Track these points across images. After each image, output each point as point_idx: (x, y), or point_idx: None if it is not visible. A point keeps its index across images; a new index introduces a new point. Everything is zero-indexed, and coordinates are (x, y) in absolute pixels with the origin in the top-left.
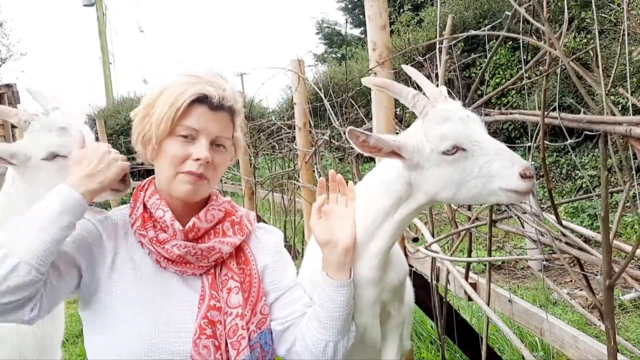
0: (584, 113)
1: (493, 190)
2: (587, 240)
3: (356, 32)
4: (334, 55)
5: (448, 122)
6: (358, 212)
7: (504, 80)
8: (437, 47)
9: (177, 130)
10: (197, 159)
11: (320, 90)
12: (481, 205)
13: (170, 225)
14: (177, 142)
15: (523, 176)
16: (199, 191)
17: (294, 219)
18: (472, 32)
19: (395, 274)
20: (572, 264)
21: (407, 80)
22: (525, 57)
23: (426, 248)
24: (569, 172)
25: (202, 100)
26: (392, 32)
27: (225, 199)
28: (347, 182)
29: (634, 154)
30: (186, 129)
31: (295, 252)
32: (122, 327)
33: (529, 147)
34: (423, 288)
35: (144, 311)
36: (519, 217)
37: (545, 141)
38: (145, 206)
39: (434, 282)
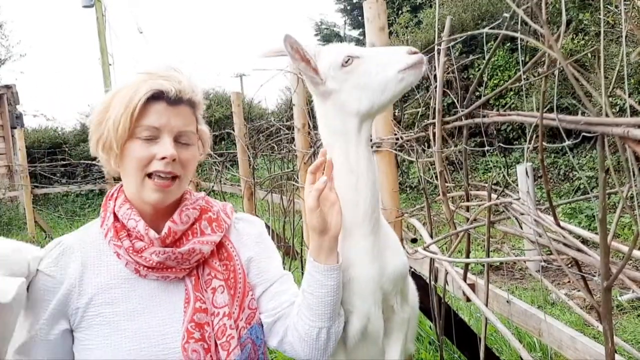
0: (582, 114)
1: (395, 76)
2: (584, 241)
3: (355, 33)
4: None
5: (334, 47)
6: (335, 186)
7: (502, 81)
8: (436, 48)
9: (137, 131)
10: (163, 158)
11: None
12: (479, 206)
13: (145, 234)
14: (139, 144)
15: (410, 53)
16: (170, 196)
17: (293, 220)
18: (470, 33)
19: (392, 257)
20: (569, 265)
21: None
22: (523, 58)
23: (425, 249)
24: (567, 173)
25: (158, 96)
26: (390, 33)
27: (199, 194)
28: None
29: (636, 156)
30: (146, 129)
31: (294, 252)
32: (102, 352)
33: (527, 148)
34: (422, 289)
35: (123, 331)
36: (517, 219)
37: (543, 142)
38: (116, 216)
39: (433, 282)
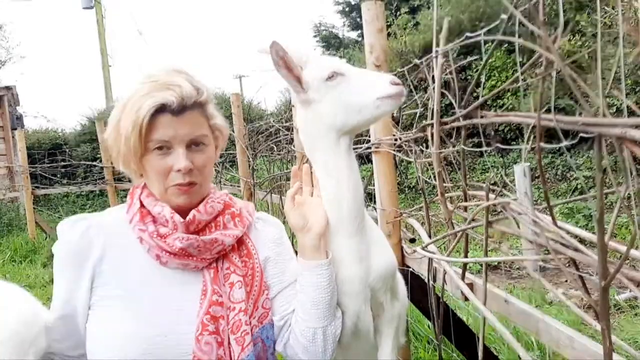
0: (579, 115)
1: (373, 102)
2: (582, 240)
3: (353, 35)
4: None
5: (323, 59)
6: (320, 188)
7: (499, 82)
8: (434, 50)
9: (150, 146)
10: (178, 170)
11: None
12: (477, 206)
13: (170, 218)
14: (154, 156)
15: (393, 83)
16: (195, 197)
17: None
18: (468, 39)
19: (379, 255)
20: (567, 265)
21: (404, 82)
22: (521, 59)
23: (423, 249)
24: (564, 173)
25: (162, 109)
26: (389, 35)
27: (223, 192)
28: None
29: (633, 156)
30: (157, 142)
31: (294, 253)
32: (113, 338)
33: (525, 148)
34: (420, 288)
35: (137, 319)
36: (515, 219)
37: (540, 143)
38: (142, 203)
39: (431, 282)
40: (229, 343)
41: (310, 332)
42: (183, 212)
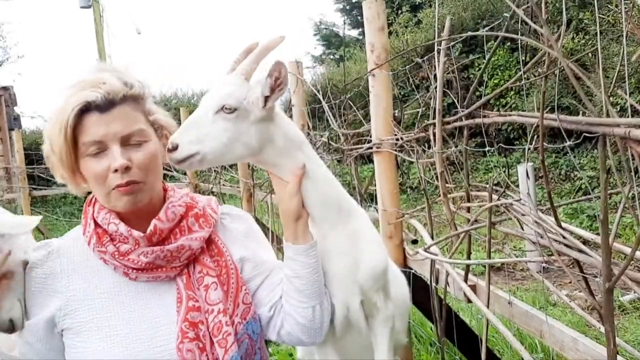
0: (583, 114)
1: None
2: (586, 241)
3: (354, 33)
4: (332, 57)
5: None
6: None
7: (502, 81)
8: (436, 48)
9: (83, 150)
10: (115, 171)
11: (318, 92)
12: (480, 207)
13: (129, 235)
14: (89, 160)
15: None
16: (140, 198)
17: None
18: (471, 33)
19: (367, 254)
20: (571, 266)
21: (406, 81)
22: (523, 58)
23: (425, 250)
24: (568, 173)
25: (88, 108)
26: (390, 33)
27: (183, 191)
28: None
29: (633, 155)
30: (89, 145)
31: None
32: (96, 358)
33: (528, 148)
34: (422, 290)
35: (116, 336)
36: (518, 220)
37: (544, 142)
38: (96, 222)
39: (434, 284)
40: (212, 346)
41: (310, 311)
42: (142, 219)
